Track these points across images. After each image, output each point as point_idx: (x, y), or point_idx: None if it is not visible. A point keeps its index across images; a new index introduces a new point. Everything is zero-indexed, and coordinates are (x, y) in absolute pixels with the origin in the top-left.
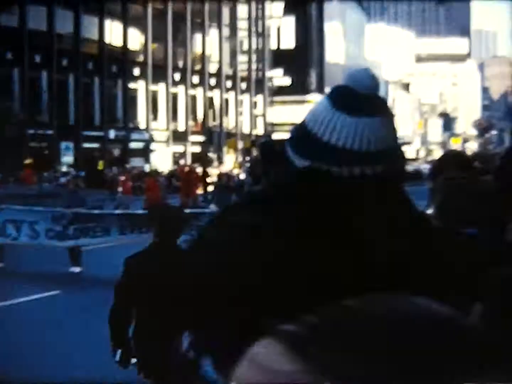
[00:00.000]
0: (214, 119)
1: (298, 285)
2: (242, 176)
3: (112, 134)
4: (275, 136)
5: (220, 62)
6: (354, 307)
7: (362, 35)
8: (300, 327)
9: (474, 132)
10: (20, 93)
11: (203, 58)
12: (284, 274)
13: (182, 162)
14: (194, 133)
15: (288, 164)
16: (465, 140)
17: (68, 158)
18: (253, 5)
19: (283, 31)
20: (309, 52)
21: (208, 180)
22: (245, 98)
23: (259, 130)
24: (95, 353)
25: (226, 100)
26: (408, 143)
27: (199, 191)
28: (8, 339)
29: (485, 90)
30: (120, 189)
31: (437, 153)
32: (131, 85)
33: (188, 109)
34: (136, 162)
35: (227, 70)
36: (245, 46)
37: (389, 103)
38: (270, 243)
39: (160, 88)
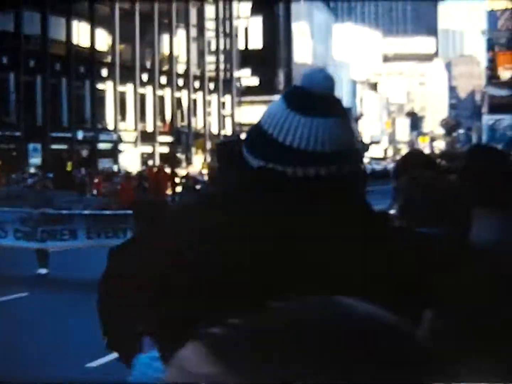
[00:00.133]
0: (182, 120)
1: (245, 284)
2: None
3: (80, 135)
4: (243, 136)
5: (188, 62)
6: (276, 310)
7: (329, 35)
8: (222, 330)
9: (441, 131)
10: None
11: (170, 59)
12: (229, 274)
13: (150, 162)
14: (162, 133)
15: (244, 164)
16: (433, 139)
17: (36, 160)
18: (221, 5)
19: (251, 31)
20: (276, 52)
21: (177, 180)
22: (213, 98)
23: (228, 131)
24: (63, 353)
25: (194, 101)
26: (376, 142)
27: (168, 191)
28: None
29: (452, 89)
30: (94, 191)
31: (405, 152)
32: (99, 86)
33: (156, 110)
34: (104, 163)
35: (195, 70)
36: (213, 47)
37: (357, 102)
38: (215, 244)
39: (128, 88)
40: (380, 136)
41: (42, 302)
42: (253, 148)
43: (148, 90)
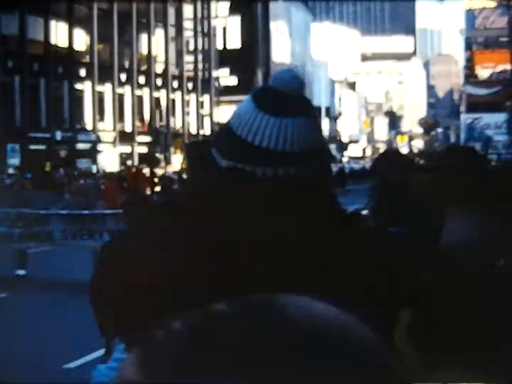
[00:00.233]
0: (160, 120)
1: (208, 286)
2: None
3: (58, 135)
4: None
5: (166, 62)
6: (220, 311)
7: (307, 34)
8: (160, 335)
9: (420, 130)
10: None
11: (149, 59)
12: (191, 276)
13: (129, 162)
14: (141, 133)
15: (213, 164)
16: (411, 138)
17: (14, 160)
18: (199, 5)
19: (229, 30)
20: (255, 51)
21: (156, 180)
22: (192, 98)
23: (206, 130)
24: (40, 354)
25: (173, 100)
26: (355, 141)
27: (147, 191)
28: None
29: (430, 88)
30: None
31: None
32: (77, 86)
33: (134, 110)
34: (83, 163)
35: (173, 70)
36: (191, 46)
37: (336, 102)
38: (180, 245)
39: (107, 88)
40: (358, 135)
41: (20, 303)
42: (222, 148)
43: (126, 90)
